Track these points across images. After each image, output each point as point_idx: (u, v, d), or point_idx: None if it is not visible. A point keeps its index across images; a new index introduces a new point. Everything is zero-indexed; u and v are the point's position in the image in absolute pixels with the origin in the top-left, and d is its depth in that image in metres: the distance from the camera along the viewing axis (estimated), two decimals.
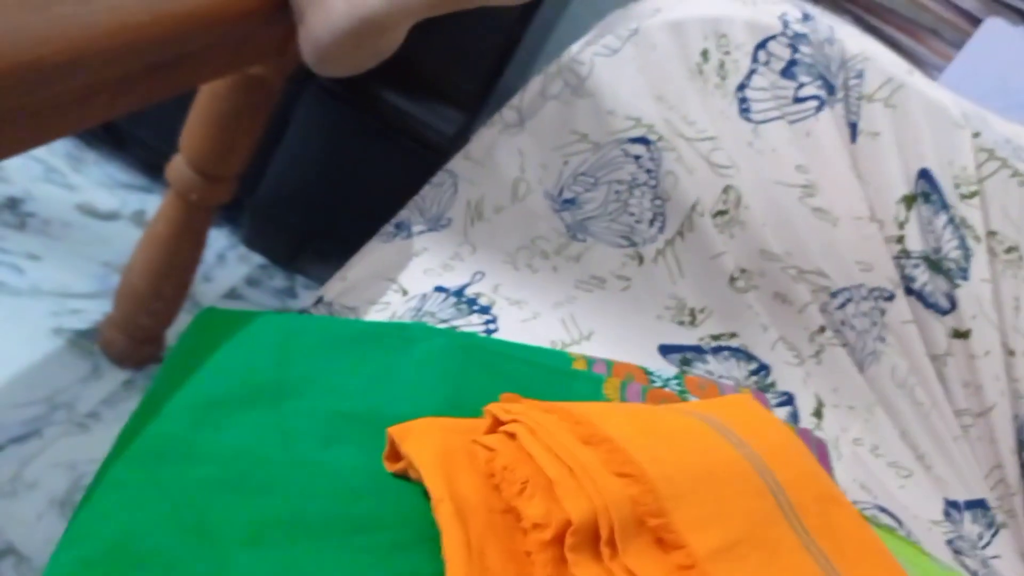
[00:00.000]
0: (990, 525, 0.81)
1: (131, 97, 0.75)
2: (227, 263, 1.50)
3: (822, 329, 0.89)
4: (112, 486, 0.52)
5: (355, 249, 0.93)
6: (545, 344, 0.80)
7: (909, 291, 0.91)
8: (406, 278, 0.85)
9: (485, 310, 0.83)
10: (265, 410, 0.59)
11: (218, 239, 1.52)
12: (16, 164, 1.44)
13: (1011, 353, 0.89)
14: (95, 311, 1.29)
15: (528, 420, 0.56)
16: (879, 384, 0.88)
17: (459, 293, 0.84)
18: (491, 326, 0.81)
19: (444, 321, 0.79)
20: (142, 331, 1.22)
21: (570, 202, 0.93)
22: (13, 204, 1.38)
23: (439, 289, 0.84)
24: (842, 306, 0.90)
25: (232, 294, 1.45)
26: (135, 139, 1.53)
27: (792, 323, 0.89)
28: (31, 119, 0.65)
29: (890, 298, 0.90)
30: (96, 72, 0.66)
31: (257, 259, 1.54)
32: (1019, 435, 0.88)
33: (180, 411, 0.58)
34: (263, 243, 1.56)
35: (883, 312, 0.90)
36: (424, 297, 0.83)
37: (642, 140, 0.91)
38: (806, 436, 0.73)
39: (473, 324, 0.80)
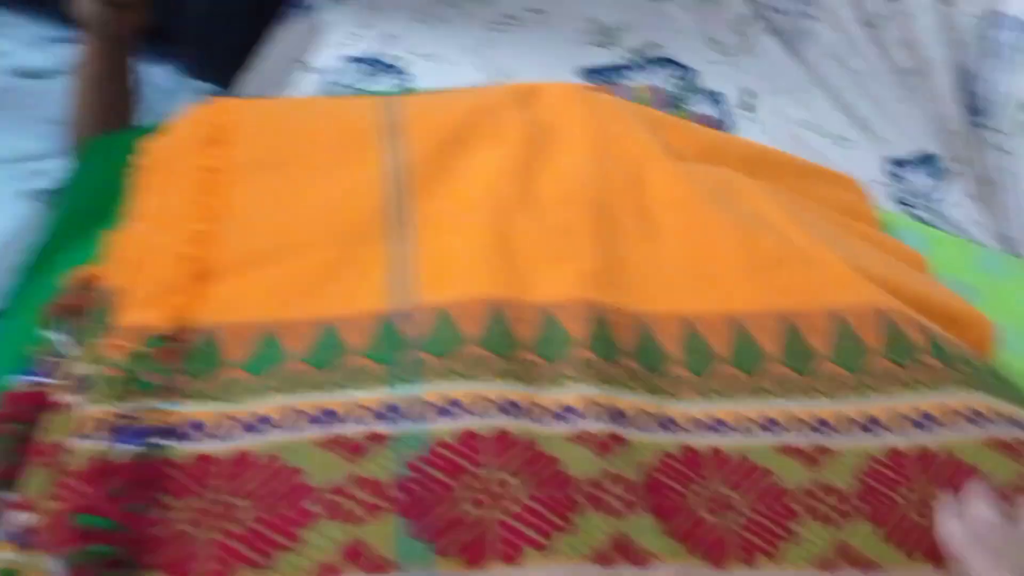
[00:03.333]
0: (939, 175, 0.81)
1: None
2: (177, 98, 1.48)
3: (748, 19, 0.86)
4: None
5: None
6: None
7: None
8: (313, 55, 0.83)
9: (398, 70, 0.81)
10: None
11: (163, 75, 1.48)
12: None
13: (945, 2, 0.85)
14: (56, 168, 1.29)
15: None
16: (813, 63, 0.86)
17: (370, 60, 0.82)
18: (406, 84, 0.80)
19: (358, 89, 0.78)
20: None
21: None
22: None
23: (350, 59, 0.82)
24: None
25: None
26: None
27: (716, 20, 0.86)
28: None
29: None
30: None
31: (208, 88, 1.51)
32: (962, 84, 0.86)
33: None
34: (208, 70, 1.52)
35: None
36: (334, 71, 0.81)
37: None
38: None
39: (384, 85, 0.79)
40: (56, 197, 0.66)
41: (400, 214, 0.56)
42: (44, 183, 1.28)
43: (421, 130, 0.61)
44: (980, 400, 0.50)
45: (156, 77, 1.28)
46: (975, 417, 0.50)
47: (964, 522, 0.45)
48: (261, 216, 0.56)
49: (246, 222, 0.55)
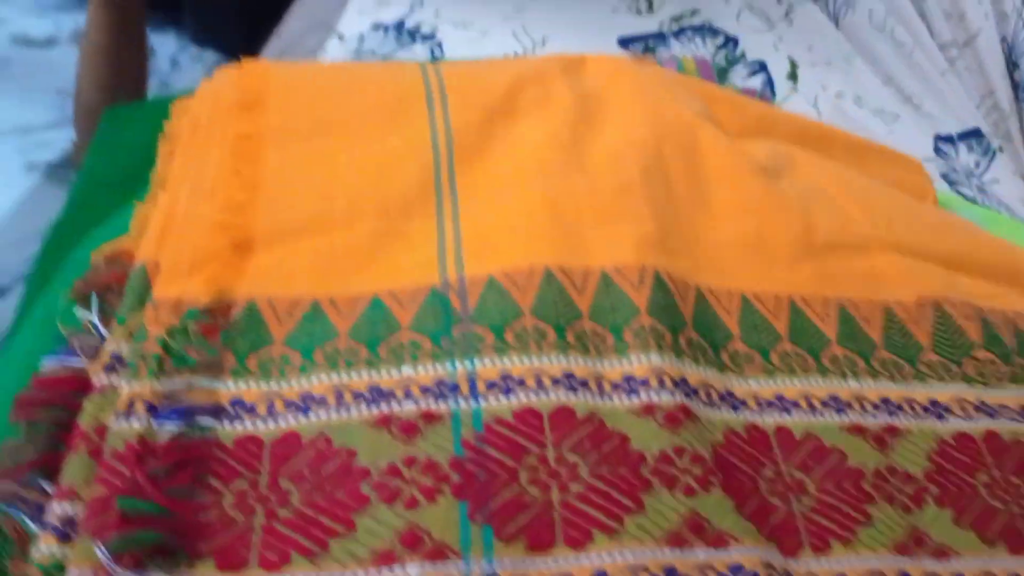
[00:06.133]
0: (985, 152, 0.79)
1: None
2: (181, 67, 1.44)
3: None
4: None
5: None
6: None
7: None
8: (341, 22, 0.80)
9: (429, 37, 0.78)
10: None
11: (166, 44, 1.45)
12: None
13: None
14: (62, 139, 1.26)
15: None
16: (856, 33, 0.83)
17: (399, 26, 0.79)
18: (437, 52, 0.77)
19: (386, 56, 0.75)
20: None
21: None
22: None
23: (377, 26, 0.79)
24: None
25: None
26: None
27: None
28: None
29: None
30: None
31: (211, 56, 1.48)
32: (1009, 56, 0.83)
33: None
34: (213, 37, 1.49)
35: None
36: (362, 38, 0.78)
37: None
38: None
39: (417, 54, 0.76)
40: (76, 168, 0.63)
41: (447, 183, 0.53)
42: (50, 154, 1.25)
43: (465, 98, 0.58)
44: None
45: (160, 44, 1.25)
46: None
47: None
48: (301, 185, 0.53)
49: (285, 190, 0.52)
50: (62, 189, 1.20)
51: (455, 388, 0.43)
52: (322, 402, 0.43)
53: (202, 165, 0.53)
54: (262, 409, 0.43)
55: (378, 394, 0.43)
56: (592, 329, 0.46)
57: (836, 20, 0.83)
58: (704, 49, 0.82)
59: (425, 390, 0.43)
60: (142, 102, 0.66)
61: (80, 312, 0.48)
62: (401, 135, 0.56)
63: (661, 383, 0.44)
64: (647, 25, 0.82)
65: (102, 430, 0.42)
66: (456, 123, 0.56)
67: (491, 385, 0.43)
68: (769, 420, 0.46)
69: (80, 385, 0.45)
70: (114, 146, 0.63)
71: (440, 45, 0.78)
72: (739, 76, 0.80)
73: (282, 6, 1.39)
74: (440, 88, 0.59)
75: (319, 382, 0.44)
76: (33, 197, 1.20)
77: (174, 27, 1.46)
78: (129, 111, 0.65)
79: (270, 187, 0.52)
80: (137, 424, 0.41)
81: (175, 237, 0.49)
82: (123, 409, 0.41)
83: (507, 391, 0.43)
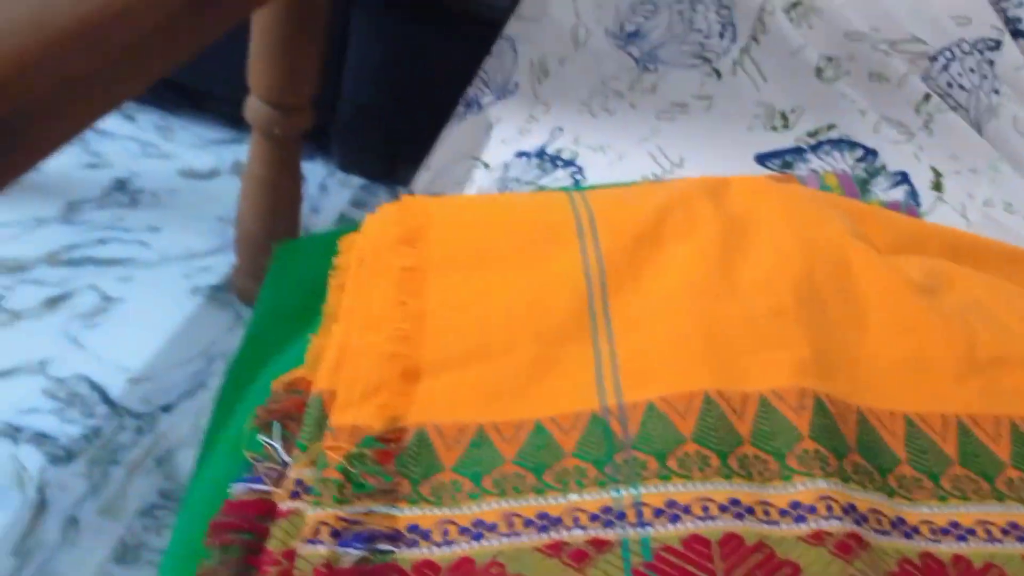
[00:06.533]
0: None
1: (181, 44, 0.77)
2: (329, 192, 1.54)
3: (927, 97, 0.83)
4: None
5: None
6: (637, 181, 0.79)
7: (1016, 34, 0.84)
8: (486, 152, 0.85)
9: (570, 163, 0.82)
10: None
11: (315, 171, 1.55)
12: (113, 148, 1.51)
13: None
14: (222, 264, 1.36)
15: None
16: (1001, 139, 0.82)
17: (540, 153, 0.83)
18: (578, 177, 0.80)
19: (531, 183, 0.79)
20: None
21: (634, 35, 0.90)
22: (121, 185, 1.45)
23: (521, 154, 0.83)
24: (945, 67, 0.83)
25: (342, 219, 1.49)
26: (212, 96, 1.56)
27: (893, 99, 0.84)
28: (91, 88, 0.67)
29: (996, 46, 0.83)
30: (139, 22, 0.67)
31: (357, 181, 1.57)
32: None
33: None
34: (357, 164, 1.58)
35: (992, 63, 0.83)
36: (507, 166, 0.82)
37: None
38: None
39: (559, 179, 0.80)
40: (235, 291, 0.68)
41: (600, 309, 0.55)
42: (212, 279, 1.34)
43: (614, 225, 0.60)
44: None
45: (310, 171, 1.34)
46: None
47: None
48: (462, 315, 0.56)
49: (447, 321, 0.55)
50: (223, 311, 1.29)
51: (622, 515, 0.44)
52: (493, 528, 0.45)
53: (369, 297, 0.57)
54: (437, 535, 0.45)
55: (547, 521, 0.45)
56: (754, 454, 0.47)
57: (979, 127, 0.83)
58: (843, 162, 0.82)
59: (593, 517, 0.44)
60: (310, 237, 0.72)
61: (263, 439, 0.51)
62: (554, 264, 0.58)
63: (830, 509, 0.44)
64: (783, 141, 0.84)
65: (290, 554, 0.44)
66: (606, 250, 0.58)
67: (658, 512, 0.44)
68: (945, 549, 0.45)
69: (266, 509, 0.48)
70: (286, 280, 0.68)
71: (581, 170, 0.81)
72: (880, 188, 0.80)
73: (420, 134, 1.48)
74: (589, 216, 0.61)
75: (489, 508, 0.46)
76: (196, 319, 1.28)
77: (322, 155, 1.57)
78: (299, 246, 0.71)
79: (433, 318, 0.56)
80: (323, 549, 0.43)
81: (348, 367, 0.53)
82: (310, 534, 0.44)
83: (674, 518, 0.44)
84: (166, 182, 1.48)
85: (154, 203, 1.43)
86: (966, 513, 0.46)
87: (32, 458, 1.06)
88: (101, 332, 1.22)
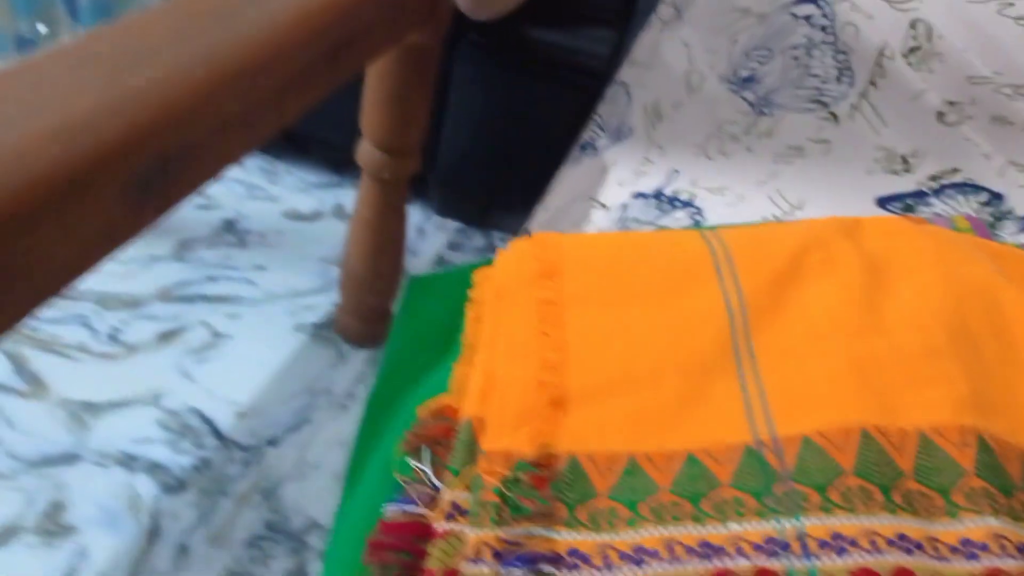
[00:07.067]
0: None
1: (315, 89, 0.80)
2: (427, 235, 1.57)
3: None
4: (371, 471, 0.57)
5: (540, 192, 0.95)
6: (759, 222, 0.79)
7: None
8: (603, 193, 0.86)
9: (688, 203, 0.82)
10: None
11: (413, 215, 1.59)
12: (221, 190, 1.57)
13: None
14: (325, 303, 1.39)
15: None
16: None
17: (658, 195, 0.84)
18: (697, 217, 0.81)
19: (650, 223, 0.80)
20: (371, 311, 1.31)
21: (749, 80, 0.91)
22: (229, 226, 1.51)
23: (638, 195, 0.85)
24: None
25: (439, 261, 1.52)
26: (315, 141, 1.62)
27: (1019, 143, 0.83)
28: (240, 128, 0.70)
29: None
30: (285, 67, 0.71)
31: (453, 225, 1.60)
32: None
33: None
34: (454, 209, 1.62)
35: None
36: (625, 207, 0.83)
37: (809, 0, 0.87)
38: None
39: (679, 219, 0.80)
40: (337, 329, 0.69)
41: (744, 345, 0.55)
42: (315, 317, 1.38)
43: (752, 263, 0.61)
44: None
45: (409, 215, 1.37)
46: None
47: None
48: (604, 348, 0.57)
49: (590, 352, 0.56)
50: (325, 348, 1.32)
51: (786, 546, 0.44)
52: (655, 555, 0.45)
53: (512, 328, 0.59)
54: (597, 560, 0.45)
55: (710, 549, 0.45)
56: (919, 490, 0.46)
57: None
58: (967, 206, 0.81)
59: (757, 547, 0.44)
60: (441, 272, 0.74)
61: (413, 463, 0.53)
62: (694, 300, 0.59)
63: (1003, 548, 0.43)
64: (905, 184, 0.83)
65: (451, 573, 0.45)
66: (747, 287, 0.59)
67: (823, 544, 0.44)
68: None
69: (420, 531, 0.49)
70: (420, 313, 0.70)
71: (700, 211, 0.82)
72: (1008, 231, 0.78)
73: (514, 181, 1.51)
74: (725, 254, 0.62)
75: (649, 535, 0.46)
76: (300, 355, 1.32)
77: (420, 199, 1.60)
78: (430, 280, 0.72)
79: (576, 349, 0.57)
80: (487, 569, 0.44)
81: (498, 395, 0.54)
82: (472, 554, 0.45)
83: (840, 551, 0.43)
84: (271, 223, 1.53)
85: (260, 243, 1.48)
86: None
87: (146, 486, 1.10)
88: (211, 367, 1.26)
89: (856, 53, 0.88)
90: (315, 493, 1.13)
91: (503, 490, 0.48)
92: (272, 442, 1.19)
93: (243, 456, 1.16)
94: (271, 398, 1.24)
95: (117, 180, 0.55)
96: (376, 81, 1.10)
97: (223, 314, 1.34)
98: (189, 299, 1.35)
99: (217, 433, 1.17)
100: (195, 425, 1.18)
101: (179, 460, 1.13)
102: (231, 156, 0.72)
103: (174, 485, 1.10)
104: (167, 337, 1.29)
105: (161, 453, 1.13)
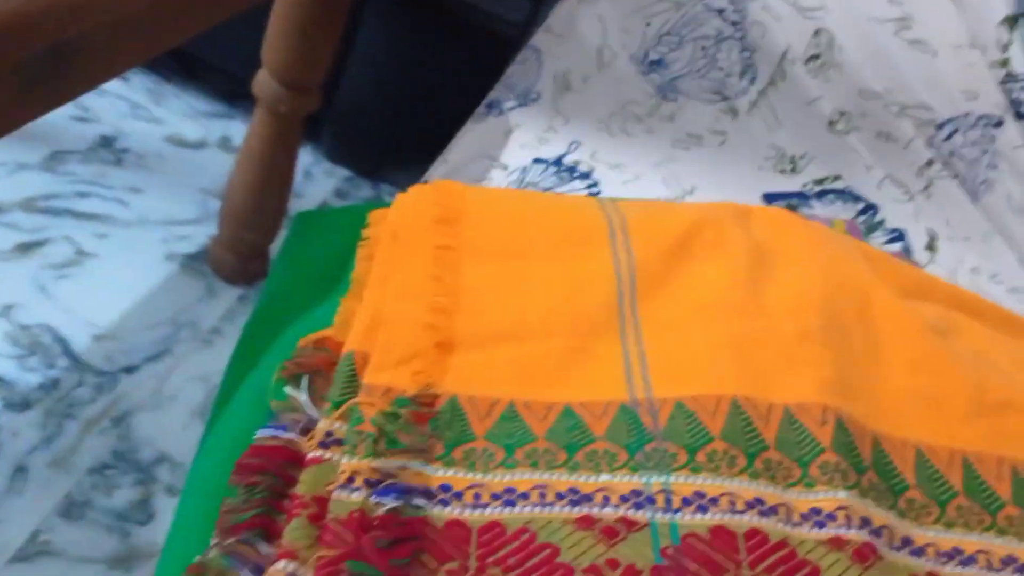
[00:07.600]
0: None
1: (203, 12, 0.75)
2: (314, 179, 1.53)
3: (930, 163, 0.87)
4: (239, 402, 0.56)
5: (436, 152, 0.94)
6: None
7: (1019, 115, 0.89)
8: (505, 154, 0.86)
9: (586, 175, 0.84)
10: None
11: (303, 157, 1.55)
12: (103, 104, 1.49)
13: None
14: (200, 235, 1.34)
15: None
16: (994, 212, 0.87)
17: (558, 163, 0.85)
18: (594, 190, 0.82)
19: (547, 190, 0.81)
20: (248, 248, 1.27)
21: (657, 63, 0.93)
22: (107, 142, 1.43)
23: (538, 161, 0.85)
24: (949, 137, 0.88)
25: (323, 208, 1.48)
26: (209, 68, 1.55)
27: (898, 160, 0.88)
28: (137, 28, 0.66)
29: (999, 124, 0.88)
30: None
31: (342, 172, 1.57)
32: None
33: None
34: (346, 156, 1.58)
35: (993, 139, 0.88)
36: (524, 169, 0.84)
37: None
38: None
39: (576, 189, 0.81)
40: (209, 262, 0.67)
41: (630, 310, 0.57)
42: (189, 247, 1.33)
43: (646, 233, 0.62)
44: None
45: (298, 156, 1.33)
46: None
47: None
48: (497, 297, 0.57)
49: (482, 301, 0.56)
50: (196, 280, 1.28)
51: (651, 500, 0.46)
52: (525, 497, 0.45)
53: (405, 270, 0.58)
54: (469, 497, 0.45)
55: (579, 496, 0.46)
56: (779, 460, 0.49)
57: (974, 197, 0.87)
58: (843, 212, 0.86)
59: (623, 498, 0.46)
60: (331, 210, 0.72)
61: (289, 390, 0.51)
62: (587, 263, 0.60)
63: (848, 519, 0.46)
64: (790, 184, 0.87)
65: (320, 499, 0.44)
66: (639, 256, 0.60)
67: (686, 501, 0.46)
68: (949, 572, 0.47)
69: (291, 456, 0.48)
70: (307, 247, 0.68)
71: (597, 184, 0.83)
72: (877, 242, 0.83)
73: (410, 136, 1.49)
74: (622, 224, 0.63)
75: (522, 477, 0.46)
76: (169, 285, 1.26)
77: (312, 142, 1.56)
78: (319, 216, 0.71)
79: (469, 296, 0.57)
80: (357, 496, 0.44)
81: (384, 332, 0.53)
82: (344, 481, 0.44)
83: (702, 508, 0.45)
84: (152, 146, 1.46)
85: (138, 165, 1.41)
86: (969, 541, 0.49)
87: None
88: (71, 284, 1.19)
89: (761, 52, 0.91)
90: (168, 426, 1.09)
91: (381, 423, 0.47)
92: (128, 369, 1.14)
93: (96, 380, 1.10)
94: (132, 324, 1.18)
95: (6, 62, 0.52)
96: (284, 10, 1.06)
97: (90, 232, 1.27)
98: (55, 212, 1.28)
99: (70, 353, 1.12)
100: (47, 343, 1.11)
101: (26, 377, 1.07)
102: (126, 59, 0.69)
103: (18, 402, 1.04)
104: (26, 248, 1.21)
105: (6, 367, 1.07)
